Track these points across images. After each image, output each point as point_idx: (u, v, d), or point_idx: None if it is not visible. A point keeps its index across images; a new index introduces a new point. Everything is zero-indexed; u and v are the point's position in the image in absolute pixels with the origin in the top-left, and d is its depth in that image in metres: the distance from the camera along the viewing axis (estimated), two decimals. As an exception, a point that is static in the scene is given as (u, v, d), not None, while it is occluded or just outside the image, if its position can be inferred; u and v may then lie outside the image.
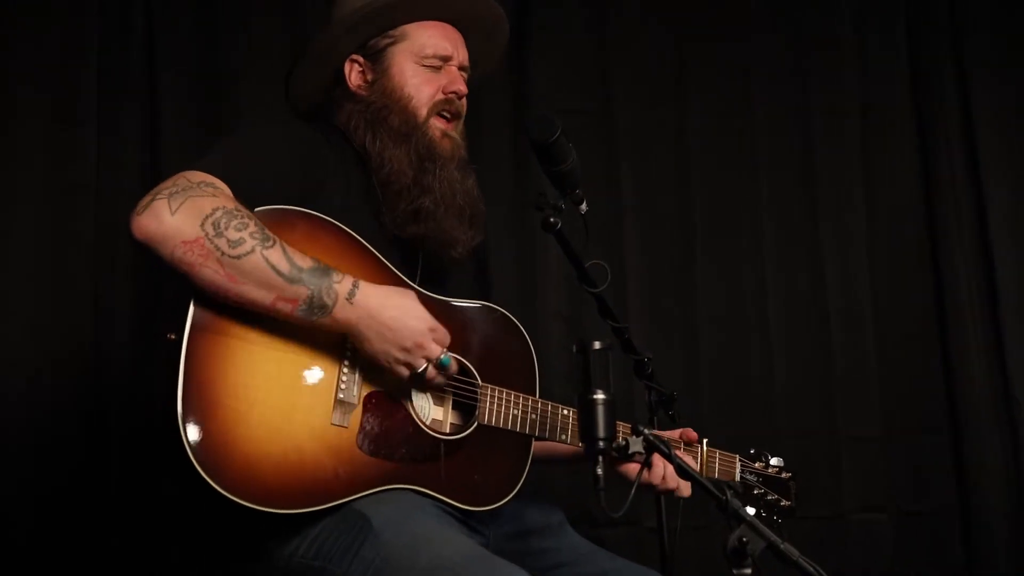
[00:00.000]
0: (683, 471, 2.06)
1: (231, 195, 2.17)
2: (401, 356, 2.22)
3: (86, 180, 3.60)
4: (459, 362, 2.39)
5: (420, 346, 2.22)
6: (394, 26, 2.57)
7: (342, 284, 2.17)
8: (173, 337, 2.10)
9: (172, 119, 3.69)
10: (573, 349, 2.03)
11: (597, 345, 2.00)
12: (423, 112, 2.53)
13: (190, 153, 3.48)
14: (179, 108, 3.70)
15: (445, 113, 2.56)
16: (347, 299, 2.16)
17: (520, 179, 3.96)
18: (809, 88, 4.25)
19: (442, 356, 2.25)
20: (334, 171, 2.43)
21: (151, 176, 3.59)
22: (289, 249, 2.14)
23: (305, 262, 2.15)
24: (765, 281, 4.11)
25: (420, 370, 2.23)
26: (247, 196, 2.20)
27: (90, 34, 3.67)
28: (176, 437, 2.04)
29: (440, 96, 2.55)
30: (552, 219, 2.25)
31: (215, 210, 2.10)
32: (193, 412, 2.06)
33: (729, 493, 1.93)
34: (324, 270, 2.16)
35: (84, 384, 3.56)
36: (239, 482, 2.07)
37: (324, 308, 2.15)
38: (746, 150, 4.19)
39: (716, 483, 1.99)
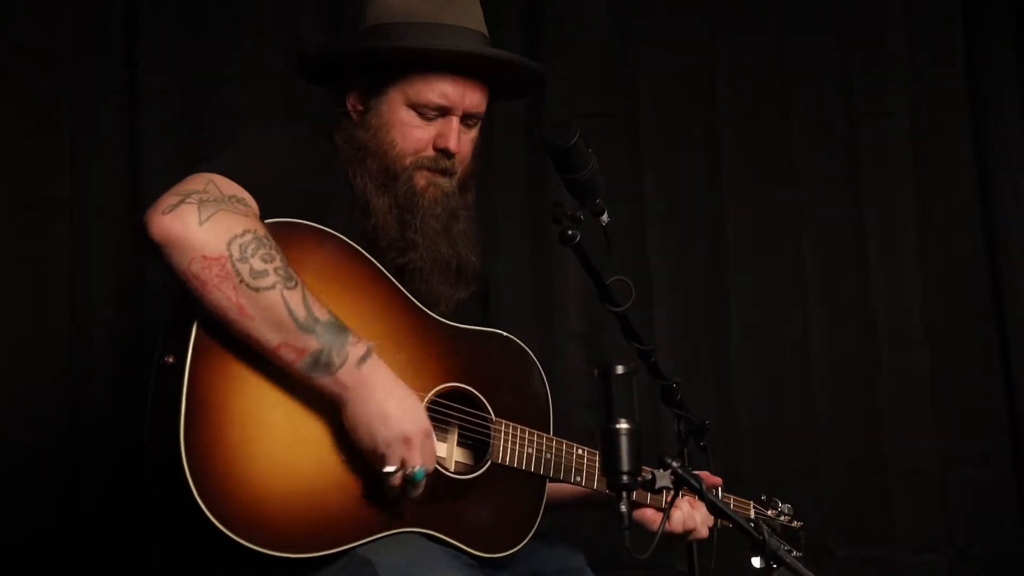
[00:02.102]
0: (716, 508, 2.05)
1: (259, 215, 2.18)
2: (381, 445, 2.17)
3: (60, 194, 3.63)
4: (471, 395, 2.41)
5: (407, 446, 2.17)
6: (401, 71, 2.49)
7: (356, 347, 2.16)
8: (171, 360, 2.10)
9: (154, 127, 3.72)
10: (594, 374, 2.02)
11: (620, 369, 1.99)
12: (406, 162, 2.49)
13: (173, 164, 3.54)
14: (161, 115, 3.73)
15: (431, 169, 2.52)
16: (356, 364, 2.15)
17: (536, 189, 3.98)
18: (853, 87, 4.23)
19: (417, 469, 2.19)
20: (341, 191, 2.45)
21: (130, 190, 3.62)
22: (310, 296, 2.13)
23: (323, 314, 2.14)
24: (806, 298, 4.10)
25: (387, 470, 2.18)
26: (263, 200, 2.22)
27: (64, 32, 3.70)
28: (177, 468, 2.03)
29: (429, 152, 2.51)
30: (570, 231, 2.22)
31: (246, 232, 2.10)
32: (195, 441, 2.05)
33: (767, 532, 1.93)
34: (341, 328, 2.16)
35: (60, 417, 3.60)
36: (244, 521, 2.07)
37: (329, 366, 2.14)
38: (784, 155, 4.18)
39: (753, 521, 1.98)
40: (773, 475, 3.82)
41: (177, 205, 2.09)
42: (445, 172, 2.53)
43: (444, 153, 2.51)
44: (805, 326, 4.09)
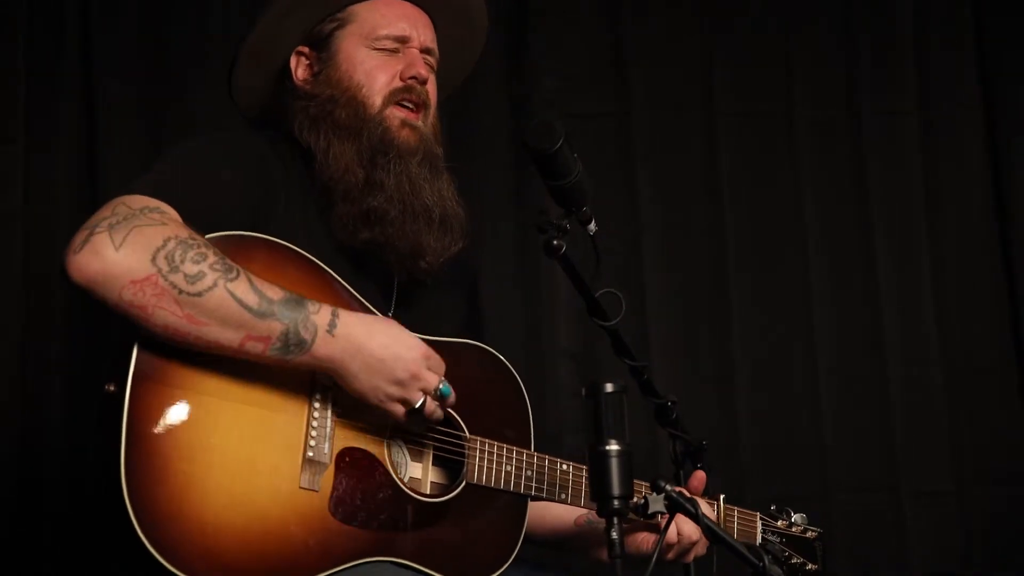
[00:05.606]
0: (713, 534, 2.08)
1: (180, 221, 2.16)
2: (395, 391, 2.23)
3: (13, 208, 3.64)
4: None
5: (415, 377, 2.23)
6: (340, 7, 2.58)
7: (320, 315, 2.17)
8: (112, 389, 2.10)
9: (111, 134, 3.72)
10: (582, 392, 2.04)
11: (609, 387, 2.00)
12: (377, 101, 2.53)
13: (132, 173, 3.50)
14: (120, 122, 3.74)
15: (405, 102, 2.56)
16: (328, 332, 2.16)
17: (522, 195, 3.99)
18: (859, 84, 4.24)
19: (441, 385, 2.27)
20: (285, 184, 2.43)
21: (89, 202, 3.61)
22: (255, 279, 2.13)
23: (275, 293, 2.14)
24: (811, 309, 4.11)
25: (418, 404, 2.24)
26: (194, 222, 2.18)
27: (16, 35, 3.71)
28: (119, 508, 2.03)
29: (397, 83, 2.55)
30: (556, 242, 2.25)
31: (167, 240, 2.08)
32: (139, 477, 2.05)
33: (767, 559, 1.95)
34: (297, 301, 2.16)
35: (12, 447, 3.60)
36: (195, 560, 2.07)
37: (302, 345, 2.14)
38: (786, 157, 4.20)
39: (752, 547, 2.00)
40: (779, 498, 3.81)
41: (87, 239, 2.07)
42: (418, 105, 2.58)
43: (415, 80, 2.57)
44: (811, 339, 4.10)
